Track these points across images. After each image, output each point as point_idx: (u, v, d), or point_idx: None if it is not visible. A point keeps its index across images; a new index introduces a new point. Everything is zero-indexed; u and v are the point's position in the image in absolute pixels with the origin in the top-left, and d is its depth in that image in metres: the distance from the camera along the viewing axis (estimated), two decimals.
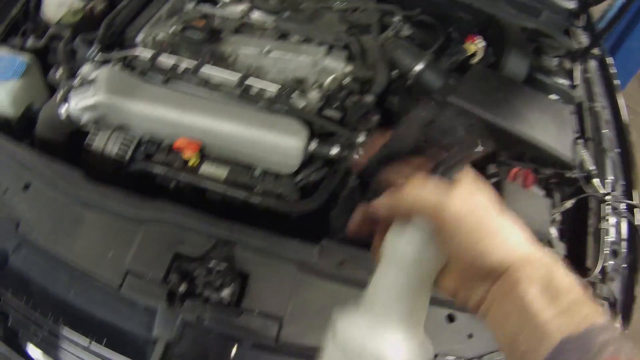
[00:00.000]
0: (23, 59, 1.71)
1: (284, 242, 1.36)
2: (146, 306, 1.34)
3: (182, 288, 1.30)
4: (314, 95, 1.58)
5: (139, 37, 1.72)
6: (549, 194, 1.67)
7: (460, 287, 0.74)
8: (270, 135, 1.50)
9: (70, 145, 1.67)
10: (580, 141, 1.84)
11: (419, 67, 1.76)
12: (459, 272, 0.73)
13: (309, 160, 1.60)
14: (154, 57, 1.65)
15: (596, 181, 1.71)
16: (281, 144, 1.50)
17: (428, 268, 0.74)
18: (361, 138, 1.56)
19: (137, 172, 1.60)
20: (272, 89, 1.64)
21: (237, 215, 1.58)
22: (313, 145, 1.54)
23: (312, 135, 1.58)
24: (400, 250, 0.75)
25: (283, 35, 1.83)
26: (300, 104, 1.60)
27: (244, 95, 1.60)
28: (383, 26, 1.96)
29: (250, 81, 1.64)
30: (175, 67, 1.65)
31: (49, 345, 1.46)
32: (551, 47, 2.12)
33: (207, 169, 1.60)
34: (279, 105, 1.56)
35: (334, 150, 1.54)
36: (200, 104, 1.54)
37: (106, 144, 1.64)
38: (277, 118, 1.54)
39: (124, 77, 1.58)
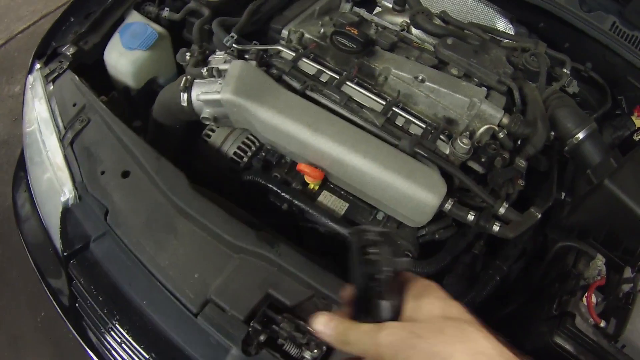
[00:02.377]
0: (155, 30, 1.48)
1: None
2: (219, 342, 1.11)
3: (263, 337, 1.06)
4: (465, 144, 1.25)
5: (284, 32, 1.43)
6: None
7: None
8: (406, 183, 1.21)
9: (185, 133, 1.43)
10: None
11: (581, 134, 1.40)
12: None
13: (438, 214, 1.29)
14: (296, 59, 1.38)
15: None
16: (415, 197, 1.21)
17: None
18: (502, 210, 1.25)
19: (250, 182, 1.34)
20: (419, 123, 1.34)
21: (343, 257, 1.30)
22: (448, 205, 1.24)
23: (450, 190, 1.26)
24: None
25: (442, 63, 1.50)
26: (445, 150, 1.29)
27: (387, 125, 1.31)
28: (550, 76, 1.60)
29: (397, 110, 1.35)
30: (317, 75, 1.37)
31: (104, 347, 1.26)
32: None
33: (325, 199, 1.33)
34: (420, 146, 1.24)
35: (470, 217, 1.24)
36: (335, 127, 1.26)
37: (224, 141, 1.38)
38: (416, 165, 1.24)
39: (258, 75, 1.31)
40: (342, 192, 1.35)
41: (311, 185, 1.33)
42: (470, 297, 1.26)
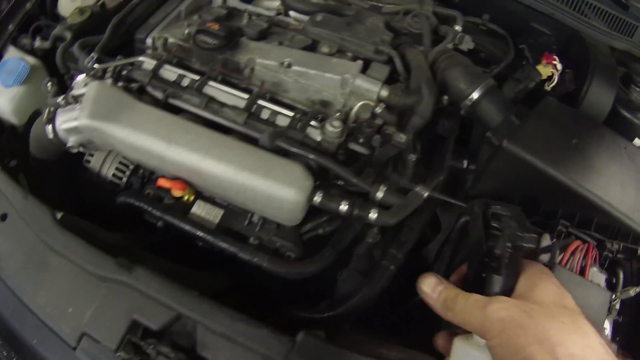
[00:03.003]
0: (27, 62, 1.41)
1: (251, 330, 0.99)
2: None
3: None
4: (335, 127, 1.13)
5: (148, 40, 1.34)
6: (611, 272, 1.14)
7: None
8: (264, 183, 1.09)
9: (65, 164, 1.37)
10: None
11: (476, 94, 1.25)
12: None
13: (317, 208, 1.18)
14: (157, 67, 1.28)
15: None
16: (276, 196, 1.09)
17: None
18: (380, 194, 1.12)
19: (125, 205, 1.26)
20: (287, 113, 1.22)
21: (231, 268, 1.22)
22: (318, 198, 1.11)
23: (324, 179, 1.15)
24: None
25: (316, 43, 1.36)
26: (317, 137, 1.17)
27: (251, 122, 1.20)
28: (440, 37, 1.43)
29: (262, 102, 1.23)
30: (178, 81, 1.26)
31: None
32: None
33: (200, 209, 1.23)
34: (282, 138, 1.14)
35: (343, 207, 1.11)
36: (189, 135, 1.15)
37: (103, 164, 1.32)
38: (275, 160, 1.12)
39: (113, 94, 1.21)
40: (217, 199, 1.25)
41: (185, 197, 1.23)
42: (365, 292, 1.13)
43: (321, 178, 1.16)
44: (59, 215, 1.17)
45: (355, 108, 1.20)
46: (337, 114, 1.17)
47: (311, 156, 1.12)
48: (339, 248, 1.18)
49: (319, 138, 1.17)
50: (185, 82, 1.27)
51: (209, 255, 1.24)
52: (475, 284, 0.72)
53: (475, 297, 0.68)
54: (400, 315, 1.25)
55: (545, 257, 1.08)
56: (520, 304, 0.65)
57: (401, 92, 1.22)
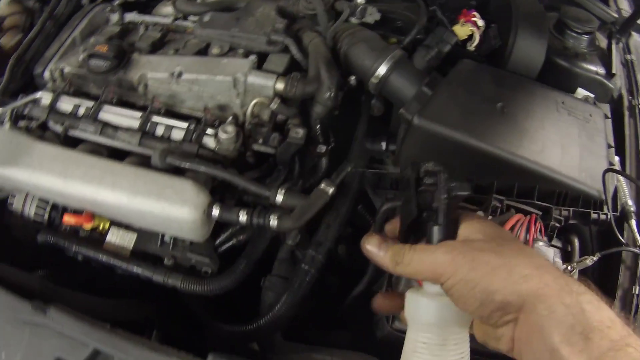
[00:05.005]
0: None
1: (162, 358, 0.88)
2: None
3: None
4: (228, 132, 1.01)
5: (46, 75, 1.23)
6: (564, 241, 0.98)
7: (485, 333, 0.65)
8: (158, 205, 0.97)
9: None
10: (616, 159, 1.07)
11: (382, 69, 1.10)
12: (477, 319, 0.64)
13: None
14: (53, 101, 1.16)
15: (634, 225, 1.00)
16: (172, 217, 0.97)
17: (453, 325, 0.65)
18: (279, 197, 0.99)
19: (43, 244, 1.16)
20: (181, 125, 1.09)
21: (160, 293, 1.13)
22: (216, 211, 0.99)
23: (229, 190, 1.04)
24: (421, 318, 0.66)
25: (208, 46, 1.21)
26: (213, 145, 1.05)
27: (146, 141, 1.08)
28: (340, 14, 1.25)
29: (156, 119, 1.11)
30: (74, 111, 1.14)
31: None
32: (579, 19, 1.29)
33: (114, 236, 1.12)
34: (172, 155, 1.01)
35: (242, 217, 0.98)
36: (83, 167, 1.03)
37: (24, 203, 1.22)
38: (166, 181, 0.99)
39: (10, 138, 1.09)
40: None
41: (100, 226, 1.14)
42: (286, 300, 1.01)
43: (226, 189, 1.06)
44: None
45: (249, 108, 1.07)
46: (230, 118, 1.04)
47: (201, 168, 1.00)
48: (252, 258, 1.06)
49: (214, 146, 1.05)
50: (81, 111, 1.14)
51: (138, 282, 1.16)
52: (418, 237, 0.69)
53: (422, 246, 0.65)
54: (343, 311, 1.15)
55: None
56: (467, 242, 0.63)
57: (298, 81, 1.08)
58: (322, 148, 1.08)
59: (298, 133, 1.01)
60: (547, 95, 1.13)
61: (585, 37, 1.27)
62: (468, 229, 0.65)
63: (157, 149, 1.02)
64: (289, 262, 1.08)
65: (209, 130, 1.07)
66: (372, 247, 0.71)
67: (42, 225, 1.21)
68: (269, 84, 1.09)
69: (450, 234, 0.65)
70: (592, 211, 0.94)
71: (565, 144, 1.03)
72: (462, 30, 1.21)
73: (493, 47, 1.25)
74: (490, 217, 0.95)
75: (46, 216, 1.20)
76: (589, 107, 1.13)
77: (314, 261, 1.03)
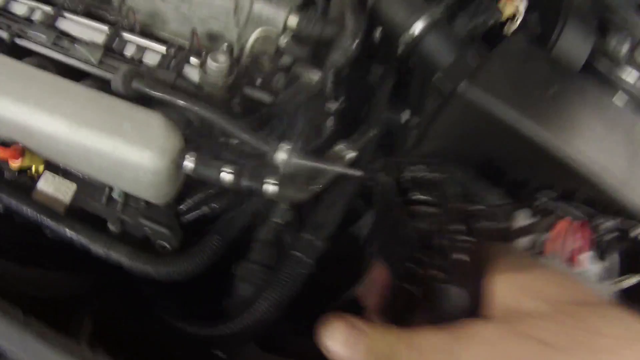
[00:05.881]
0: None
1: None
2: None
3: None
4: (220, 62, 0.73)
5: None
6: (602, 255, 0.74)
7: None
8: (111, 144, 0.67)
9: None
10: None
11: (418, 27, 0.84)
12: None
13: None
14: (5, 3, 0.86)
15: None
16: (129, 162, 0.67)
17: None
18: (282, 155, 0.71)
19: None
20: (157, 49, 0.81)
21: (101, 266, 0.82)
22: (189, 163, 0.70)
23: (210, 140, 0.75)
24: None
25: None
26: (197, 78, 0.77)
27: (108, 61, 0.79)
28: None
29: (128, 36, 0.82)
30: (28, 15, 0.85)
31: None
32: (626, 21, 1.07)
33: (48, 184, 0.81)
34: (141, 80, 0.72)
35: (226, 175, 0.70)
36: (20, 81, 0.73)
37: None
38: (129, 111, 0.70)
39: None
40: (70, 169, 0.81)
41: (32, 168, 0.81)
42: (270, 297, 0.71)
43: (203, 139, 0.77)
44: None
45: (251, 39, 0.79)
46: (225, 45, 0.76)
47: (179, 101, 0.71)
48: (229, 235, 0.76)
49: (198, 80, 0.77)
50: (37, 16, 0.85)
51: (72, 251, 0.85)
52: (408, 304, 0.40)
53: (429, 339, 0.36)
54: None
55: (526, 240, 0.71)
56: (514, 322, 0.34)
57: (317, 19, 0.81)
58: (333, 105, 0.80)
59: (312, 77, 0.74)
60: (599, 94, 0.92)
61: (627, 43, 1.07)
62: (508, 284, 0.37)
63: (121, 69, 0.73)
64: (273, 247, 0.79)
65: (193, 60, 0.78)
66: (338, 345, 0.42)
67: None
68: (281, 16, 0.81)
69: (474, 297, 0.38)
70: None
71: (612, 149, 0.82)
72: (506, 8, 0.98)
73: (532, 35, 1.03)
74: (533, 220, 0.71)
75: None
76: (631, 117, 0.93)
77: (312, 248, 0.74)
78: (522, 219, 0.72)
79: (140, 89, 0.71)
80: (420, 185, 0.49)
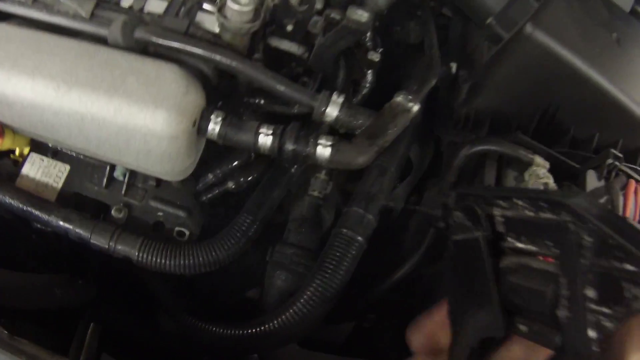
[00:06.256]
0: None
1: None
2: None
3: None
4: (242, 4, 0.58)
5: None
6: None
7: None
8: (111, 104, 0.52)
9: None
10: None
11: None
12: None
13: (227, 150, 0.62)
14: None
15: None
16: (136, 126, 0.52)
17: None
18: (333, 111, 0.56)
19: None
20: None
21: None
22: (214, 126, 0.56)
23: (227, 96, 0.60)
24: None
25: None
26: (214, 26, 0.61)
27: (102, 13, 0.62)
28: None
29: None
30: None
31: None
32: None
33: (34, 168, 0.65)
34: (146, 28, 0.57)
35: (264, 139, 0.55)
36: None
37: None
38: (134, 63, 0.55)
39: None
40: (60, 148, 0.66)
41: (17, 151, 0.65)
42: (319, 284, 0.56)
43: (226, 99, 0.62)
44: None
45: None
46: None
47: (197, 50, 0.56)
48: (263, 214, 0.61)
49: (216, 28, 0.62)
50: None
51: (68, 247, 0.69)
52: None
53: None
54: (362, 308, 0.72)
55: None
56: None
57: None
58: (375, 55, 0.66)
59: (361, 15, 0.60)
60: None
61: None
62: None
63: (119, 18, 0.58)
64: (313, 225, 0.64)
65: (207, 5, 0.63)
66: None
67: None
68: None
69: None
70: None
71: None
72: None
73: None
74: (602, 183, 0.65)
75: None
76: None
77: (363, 224, 0.60)
78: (592, 180, 0.64)
79: (145, 39, 0.56)
80: (521, 229, 0.36)
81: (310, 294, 0.57)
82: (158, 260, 0.57)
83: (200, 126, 0.55)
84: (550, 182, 0.64)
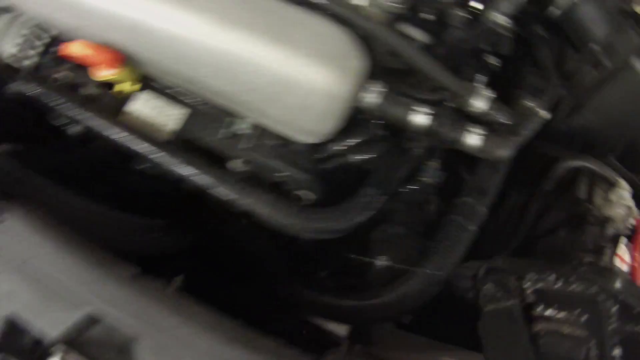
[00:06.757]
0: None
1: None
2: None
3: None
4: None
5: None
6: None
7: None
8: (277, 54, 0.50)
9: None
10: None
11: None
12: None
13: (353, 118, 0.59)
14: None
15: None
16: (298, 81, 0.51)
17: None
18: (481, 103, 0.56)
19: (15, 99, 0.64)
20: None
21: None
22: (375, 96, 0.54)
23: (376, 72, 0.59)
24: None
25: None
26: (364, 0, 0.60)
27: None
28: None
29: None
30: None
31: None
32: None
33: (147, 106, 0.62)
34: None
35: (419, 118, 0.55)
36: None
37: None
38: (310, 20, 0.53)
39: None
40: (176, 92, 0.63)
41: (122, 87, 0.62)
42: (426, 272, 0.57)
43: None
44: None
45: None
46: None
47: (367, 24, 0.54)
48: (387, 188, 0.60)
49: (366, 3, 0.61)
50: None
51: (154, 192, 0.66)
52: None
53: None
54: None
55: None
56: None
57: None
58: (493, 60, 0.66)
59: (504, 21, 0.60)
60: None
61: None
62: None
63: None
64: (420, 209, 0.64)
65: None
66: None
67: (17, 74, 0.68)
68: None
69: None
70: None
71: None
72: None
73: None
74: None
75: (29, 62, 0.68)
76: None
77: (475, 213, 0.61)
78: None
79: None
80: (551, 299, 0.39)
81: (424, 275, 0.57)
82: (283, 219, 0.55)
83: (360, 93, 0.54)
84: (633, 206, 0.67)
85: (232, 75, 0.54)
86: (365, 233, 0.63)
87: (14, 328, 0.46)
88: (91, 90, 0.63)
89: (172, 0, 0.53)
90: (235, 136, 0.61)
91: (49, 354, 0.45)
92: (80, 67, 0.63)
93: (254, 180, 0.60)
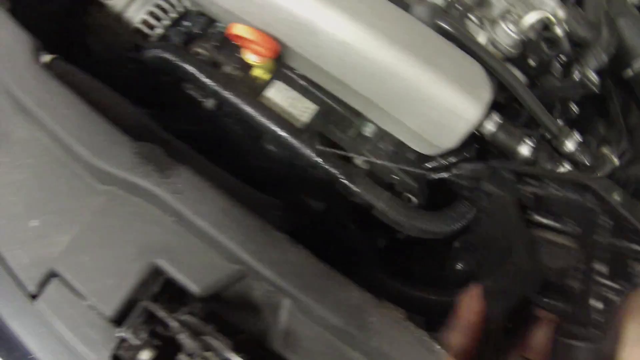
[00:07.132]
0: None
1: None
2: (72, 350, 0.47)
3: (147, 356, 0.43)
4: (511, 30, 0.67)
5: None
6: None
7: None
8: (429, 76, 0.58)
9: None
10: None
11: None
12: None
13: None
14: None
15: None
16: (441, 102, 0.59)
17: None
18: (571, 144, 0.65)
19: (153, 63, 0.70)
20: None
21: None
22: (492, 125, 0.63)
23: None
24: None
25: None
26: (480, 38, 0.68)
27: None
28: None
29: None
30: None
31: None
32: None
33: (279, 95, 0.69)
34: (446, 17, 0.63)
35: (524, 148, 0.64)
36: None
37: (129, 4, 0.74)
38: (449, 49, 0.62)
39: None
40: (309, 86, 0.70)
41: (257, 72, 0.69)
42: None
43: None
44: (46, 57, 0.60)
45: (531, 17, 0.72)
46: (508, 16, 0.69)
47: (492, 61, 0.62)
48: (477, 205, 0.68)
49: (483, 40, 0.69)
50: None
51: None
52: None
53: None
54: None
55: None
56: None
57: (581, 18, 0.77)
58: (576, 109, 0.76)
59: (594, 77, 0.69)
60: None
61: None
62: None
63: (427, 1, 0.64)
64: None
65: (471, 16, 0.69)
66: None
67: (145, 41, 0.73)
68: (551, 3, 0.75)
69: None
70: None
71: None
72: None
73: None
74: None
75: (160, 30, 0.73)
76: None
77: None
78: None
79: (444, 26, 0.62)
80: (547, 207, 0.42)
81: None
82: (397, 216, 0.63)
83: (480, 120, 0.62)
84: None
85: (383, 86, 0.61)
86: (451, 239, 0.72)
87: (159, 277, 0.51)
88: (232, 70, 0.69)
89: (345, 9, 0.59)
90: (361, 137, 0.69)
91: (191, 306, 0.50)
92: (223, 47, 0.69)
93: (373, 179, 0.68)
